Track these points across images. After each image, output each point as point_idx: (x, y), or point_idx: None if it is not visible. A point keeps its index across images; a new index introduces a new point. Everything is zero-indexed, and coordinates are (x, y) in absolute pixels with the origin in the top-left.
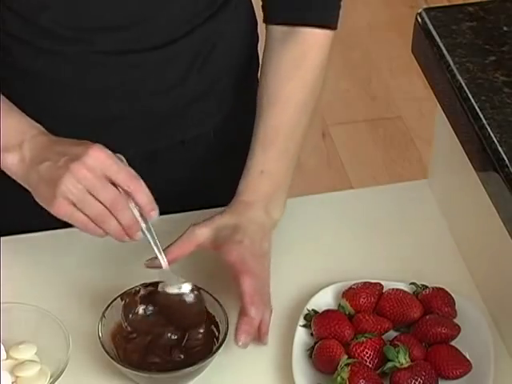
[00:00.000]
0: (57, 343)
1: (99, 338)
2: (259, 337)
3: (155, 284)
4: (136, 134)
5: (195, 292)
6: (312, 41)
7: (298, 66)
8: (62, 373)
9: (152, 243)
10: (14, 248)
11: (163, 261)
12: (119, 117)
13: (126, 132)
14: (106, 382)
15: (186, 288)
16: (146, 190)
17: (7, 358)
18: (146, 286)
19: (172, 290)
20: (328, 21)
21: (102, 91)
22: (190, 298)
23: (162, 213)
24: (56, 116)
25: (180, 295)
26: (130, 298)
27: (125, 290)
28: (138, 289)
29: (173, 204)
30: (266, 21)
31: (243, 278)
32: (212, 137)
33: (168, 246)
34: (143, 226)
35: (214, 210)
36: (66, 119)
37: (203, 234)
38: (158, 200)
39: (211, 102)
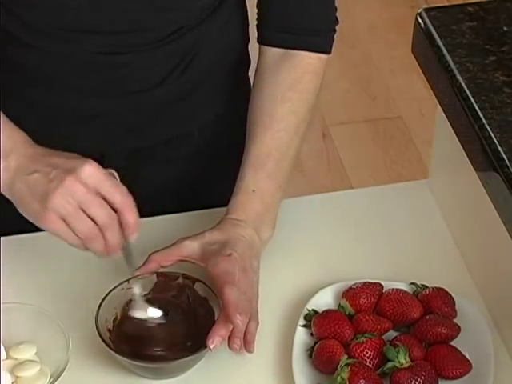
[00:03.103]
0: (57, 343)
1: (97, 328)
2: (245, 345)
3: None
4: (119, 132)
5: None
6: (307, 65)
7: (291, 90)
8: (61, 373)
9: (126, 263)
10: (14, 248)
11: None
12: (102, 114)
13: (109, 129)
14: (106, 382)
15: (152, 313)
16: (136, 210)
17: (7, 358)
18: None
19: (139, 314)
20: (323, 45)
21: (86, 88)
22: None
23: (147, 214)
24: (39, 111)
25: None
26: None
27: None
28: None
29: (156, 204)
30: (261, 41)
31: (227, 288)
32: (197, 137)
33: (153, 253)
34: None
35: (215, 209)
36: (49, 114)
37: (191, 246)
38: (142, 200)
39: (194, 103)
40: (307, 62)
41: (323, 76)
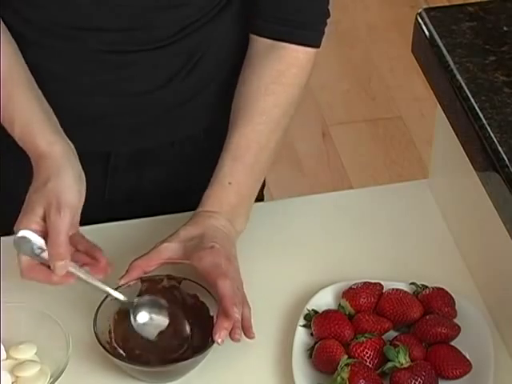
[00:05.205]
0: (57, 343)
1: (95, 332)
2: (245, 332)
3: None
4: (124, 133)
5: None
6: (293, 58)
7: (276, 82)
8: (62, 373)
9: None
10: (14, 248)
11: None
12: (107, 114)
13: (115, 130)
14: (106, 382)
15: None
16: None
17: (7, 358)
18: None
19: (132, 324)
20: (311, 39)
21: (91, 87)
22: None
23: (150, 214)
24: None
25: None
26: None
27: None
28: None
29: (160, 205)
30: (250, 30)
31: (221, 281)
32: (202, 138)
33: (134, 260)
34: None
35: None
36: (55, 113)
37: (170, 248)
38: (145, 200)
39: (200, 105)
40: (294, 55)
41: (310, 71)
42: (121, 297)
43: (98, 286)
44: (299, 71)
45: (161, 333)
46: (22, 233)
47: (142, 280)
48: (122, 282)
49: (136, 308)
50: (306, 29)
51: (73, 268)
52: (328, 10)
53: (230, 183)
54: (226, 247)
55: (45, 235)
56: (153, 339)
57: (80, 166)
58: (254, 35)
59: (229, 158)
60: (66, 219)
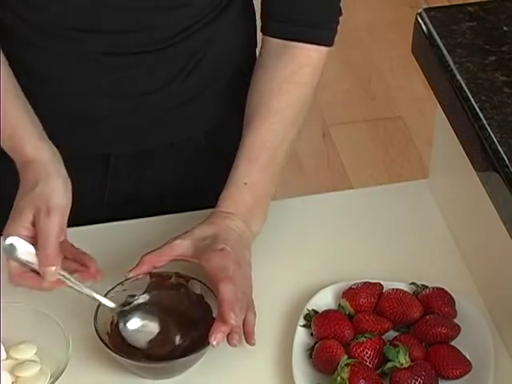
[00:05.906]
0: (57, 343)
1: (95, 328)
2: (246, 338)
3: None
4: (124, 134)
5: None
6: (305, 57)
7: (289, 82)
8: (62, 373)
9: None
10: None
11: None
12: (107, 115)
13: (114, 131)
14: (106, 382)
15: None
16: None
17: (7, 358)
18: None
19: (135, 319)
20: (323, 38)
21: (91, 89)
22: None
23: (151, 214)
24: (42, 112)
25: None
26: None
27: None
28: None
29: (160, 206)
30: (262, 31)
31: (222, 285)
32: (203, 140)
33: (145, 254)
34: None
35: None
36: (54, 115)
37: (183, 245)
38: (145, 201)
39: (201, 106)
40: (306, 54)
41: (322, 69)
42: (111, 304)
43: (87, 293)
44: (312, 70)
45: (160, 330)
46: (10, 239)
47: (151, 275)
48: (131, 274)
49: (125, 315)
50: (319, 27)
51: (63, 275)
52: (340, 7)
53: (245, 184)
54: (237, 250)
55: (34, 240)
56: (143, 347)
57: (65, 171)
58: (265, 36)
59: (244, 159)
60: (56, 222)
